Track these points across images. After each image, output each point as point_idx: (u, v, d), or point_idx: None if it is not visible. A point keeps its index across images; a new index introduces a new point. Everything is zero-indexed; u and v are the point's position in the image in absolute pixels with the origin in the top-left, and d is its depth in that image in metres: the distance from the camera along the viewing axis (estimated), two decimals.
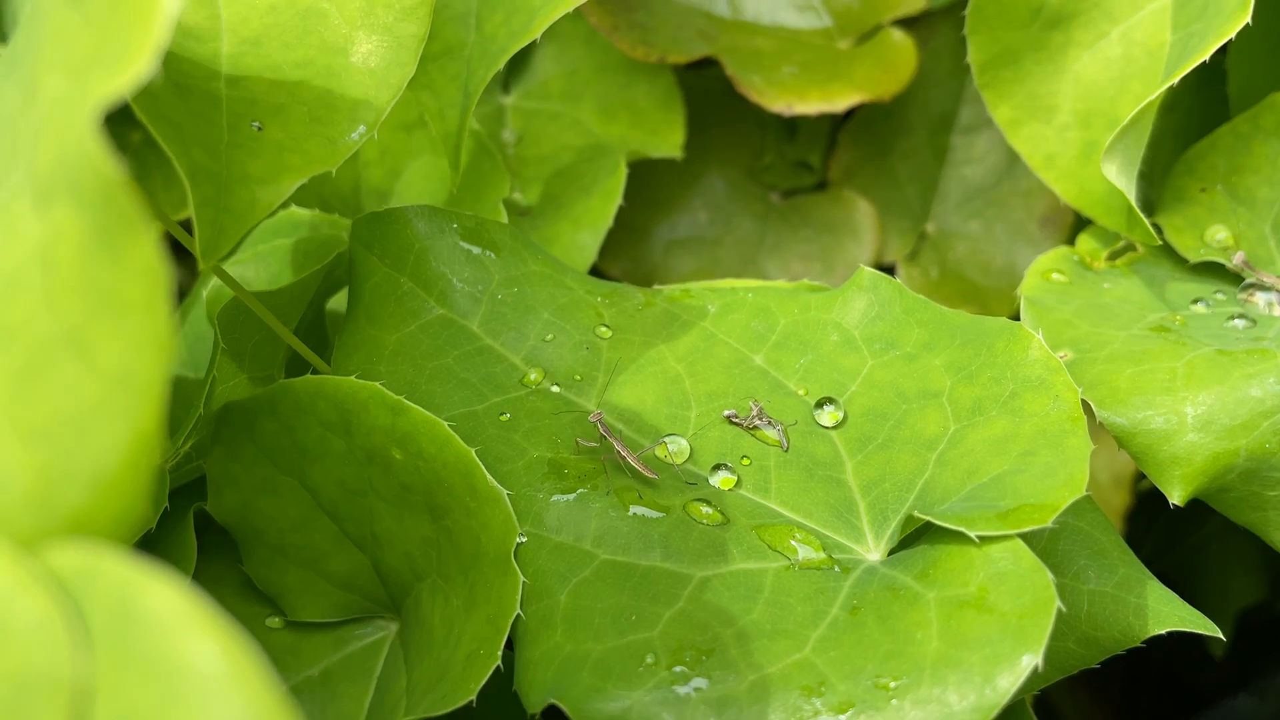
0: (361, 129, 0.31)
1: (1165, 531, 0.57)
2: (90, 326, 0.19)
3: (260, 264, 0.43)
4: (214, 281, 0.42)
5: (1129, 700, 0.57)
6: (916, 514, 0.30)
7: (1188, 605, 0.33)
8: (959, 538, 0.29)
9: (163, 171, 0.47)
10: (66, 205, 0.19)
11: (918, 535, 0.32)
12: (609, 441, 0.34)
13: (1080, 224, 0.56)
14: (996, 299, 0.56)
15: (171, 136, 0.28)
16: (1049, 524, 0.29)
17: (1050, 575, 0.28)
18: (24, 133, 0.21)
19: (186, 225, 0.36)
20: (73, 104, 0.19)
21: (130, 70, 0.19)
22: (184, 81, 0.30)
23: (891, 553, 0.32)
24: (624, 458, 0.34)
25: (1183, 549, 0.57)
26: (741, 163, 0.58)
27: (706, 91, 0.57)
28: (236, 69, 0.31)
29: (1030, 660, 0.27)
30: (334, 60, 0.31)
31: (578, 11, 0.53)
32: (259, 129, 0.30)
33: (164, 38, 0.19)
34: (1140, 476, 0.53)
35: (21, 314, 0.20)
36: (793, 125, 0.58)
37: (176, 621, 0.18)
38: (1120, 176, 0.40)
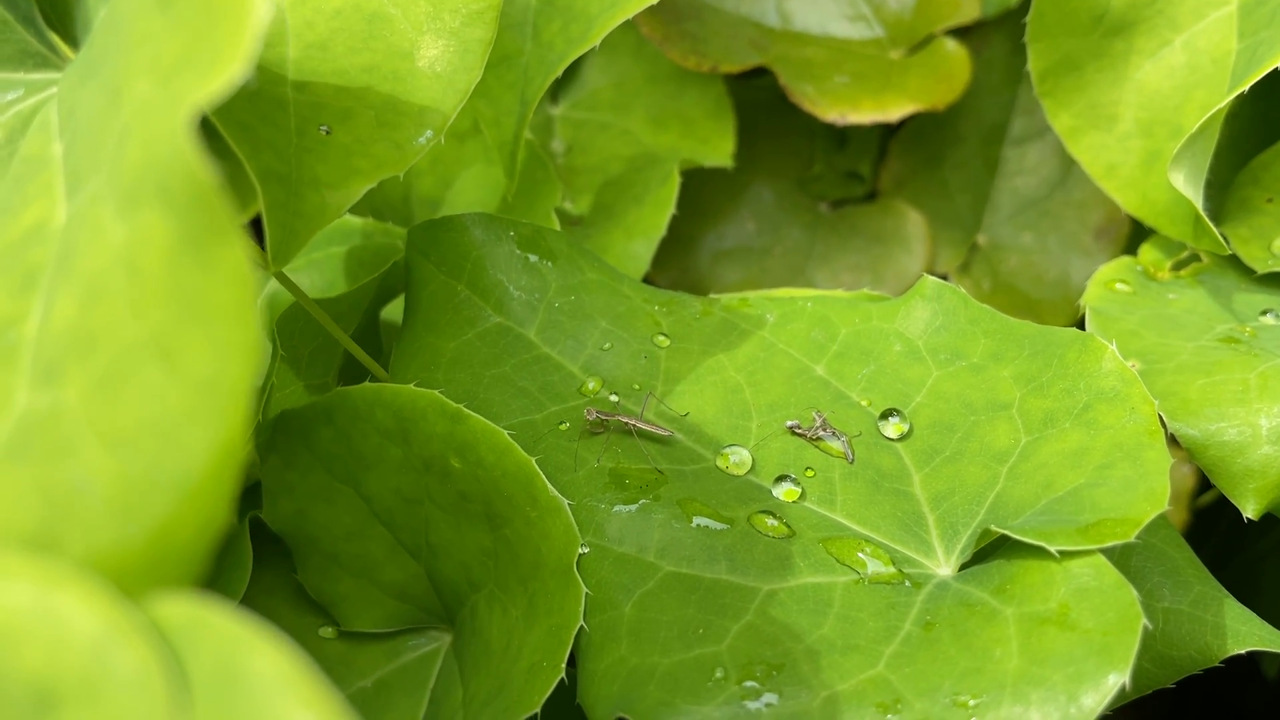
0: (428, 134, 0.31)
1: (1220, 544, 0.56)
2: (176, 332, 0.19)
3: (314, 271, 0.43)
4: (268, 288, 0.42)
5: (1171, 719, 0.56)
6: (993, 528, 0.30)
7: (1267, 625, 0.32)
8: (1037, 553, 0.29)
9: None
10: (154, 209, 0.19)
11: (991, 550, 0.31)
12: (615, 419, 0.34)
13: (1136, 235, 0.55)
14: (1050, 311, 0.55)
15: (242, 139, 0.28)
16: (1131, 538, 0.28)
17: (1135, 592, 0.27)
18: (107, 137, 0.20)
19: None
20: (162, 108, 0.19)
21: (223, 75, 0.18)
22: (252, 85, 0.29)
23: (963, 567, 0.31)
24: (633, 425, 0.33)
25: (1239, 562, 0.56)
26: (790, 173, 0.58)
27: (754, 101, 0.57)
28: (303, 73, 0.31)
29: (1116, 679, 0.26)
30: (400, 65, 0.31)
31: (628, 21, 0.53)
32: (327, 133, 0.30)
33: (256, 42, 0.19)
34: (1198, 493, 0.52)
35: (105, 319, 0.19)
36: (842, 135, 0.58)
37: (280, 686, 0.18)
38: (1188, 185, 0.39)
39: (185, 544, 0.19)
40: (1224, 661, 0.32)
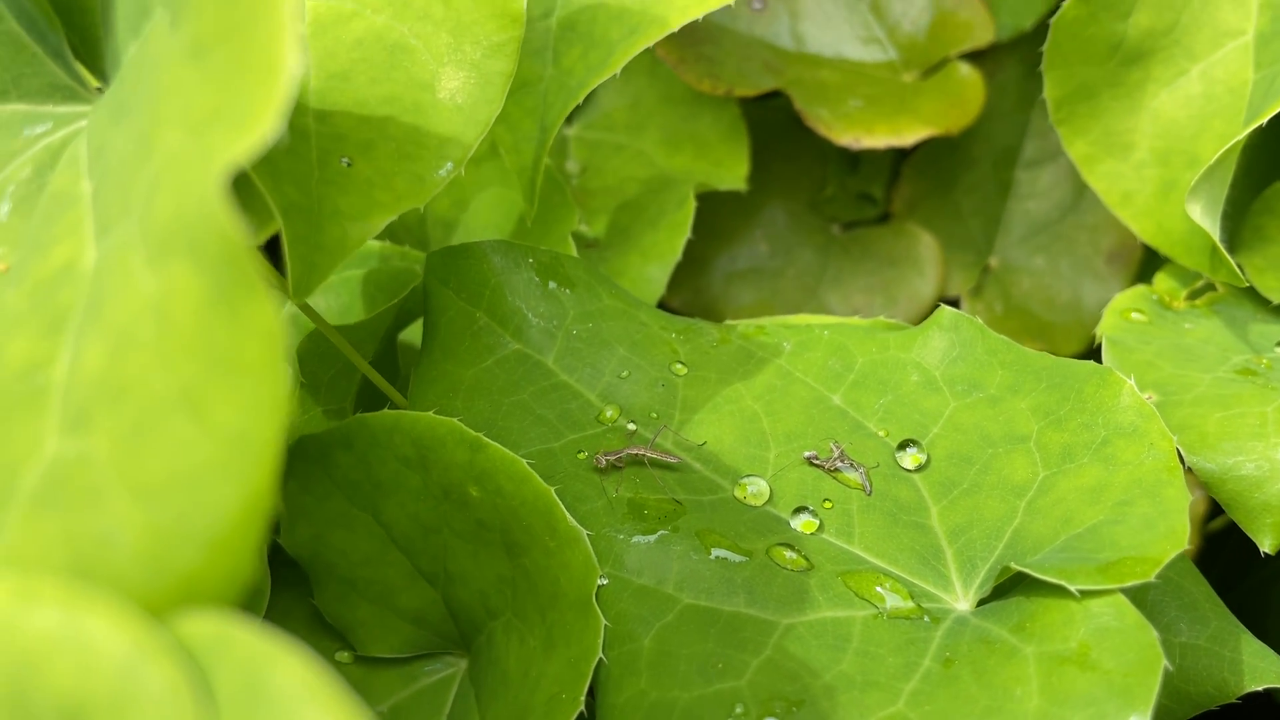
0: (449, 165, 0.31)
1: (1225, 569, 0.56)
2: (206, 386, 0.19)
3: (331, 295, 0.43)
4: (286, 311, 0.42)
5: None
6: (1012, 565, 0.30)
7: None
8: (1056, 590, 0.29)
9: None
10: (184, 263, 0.19)
11: (1009, 585, 0.31)
12: (626, 454, 0.34)
13: (1148, 260, 0.55)
14: (1063, 335, 0.55)
15: (264, 171, 0.28)
16: (1151, 578, 0.28)
17: (1155, 633, 0.27)
18: (137, 183, 0.20)
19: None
20: (193, 161, 0.19)
21: (256, 130, 0.19)
22: (284, 143, 0.29)
23: (981, 602, 0.31)
24: (642, 455, 0.34)
25: (1244, 588, 0.56)
26: (803, 195, 0.58)
27: (767, 123, 0.57)
28: (324, 104, 0.31)
29: None
30: (421, 96, 0.31)
31: None
32: (348, 165, 0.30)
33: (288, 98, 0.19)
34: (1207, 519, 0.52)
35: (135, 369, 0.19)
36: (855, 158, 0.58)
37: (307, 701, 0.18)
38: (1205, 217, 0.39)
39: (212, 596, 0.19)
40: (1240, 698, 0.32)
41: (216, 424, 0.19)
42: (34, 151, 0.26)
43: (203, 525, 0.19)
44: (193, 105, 0.20)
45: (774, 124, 0.57)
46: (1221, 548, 0.55)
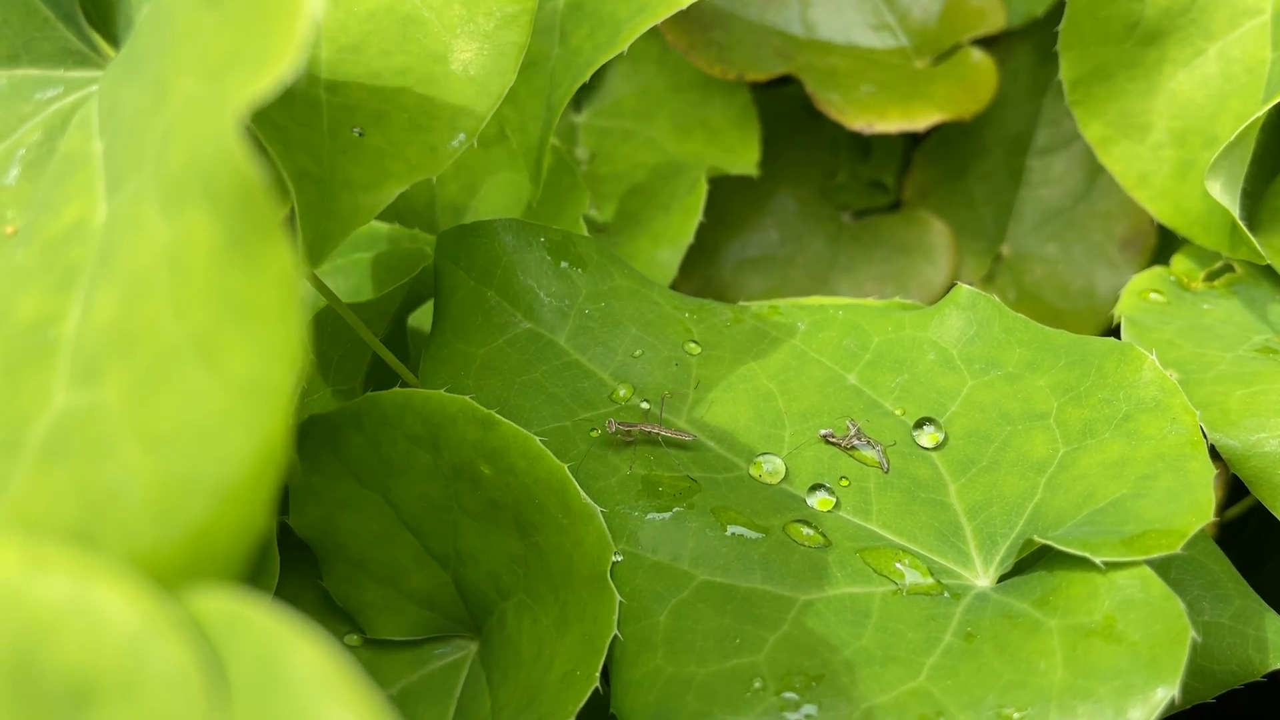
0: (461, 136, 0.30)
1: (1244, 556, 0.56)
2: (219, 333, 0.18)
3: (341, 277, 0.43)
4: (299, 261, 0.42)
5: None
6: (1035, 538, 0.29)
7: None
8: (1080, 564, 0.28)
9: None
10: (199, 208, 0.18)
11: (1030, 561, 0.30)
12: (637, 430, 0.34)
13: (1162, 247, 0.55)
14: (1075, 322, 0.55)
15: (276, 140, 0.28)
16: (1177, 550, 0.28)
17: (1182, 604, 0.26)
18: (150, 135, 0.20)
19: None
20: (210, 106, 0.19)
21: (273, 71, 0.18)
22: (300, 84, 0.29)
23: (1002, 579, 0.31)
24: (655, 432, 0.33)
25: (1263, 575, 0.55)
26: (814, 182, 0.58)
27: (778, 110, 0.57)
28: (336, 75, 0.30)
29: (1165, 693, 0.25)
30: (434, 67, 0.31)
31: (652, 30, 0.53)
32: (360, 135, 0.29)
33: (307, 38, 0.18)
34: (1226, 505, 0.51)
35: (146, 318, 0.19)
36: (866, 145, 0.58)
37: (321, 686, 0.17)
38: (1225, 194, 0.39)
39: (224, 547, 0.19)
40: (1265, 678, 0.32)
41: (229, 372, 0.18)
42: (45, 115, 0.26)
43: (214, 475, 0.18)
44: (209, 51, 0.19)
45: (785, 112, 0.57)
46: (1237, 537, 0.54)
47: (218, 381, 0.19)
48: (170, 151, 0.20)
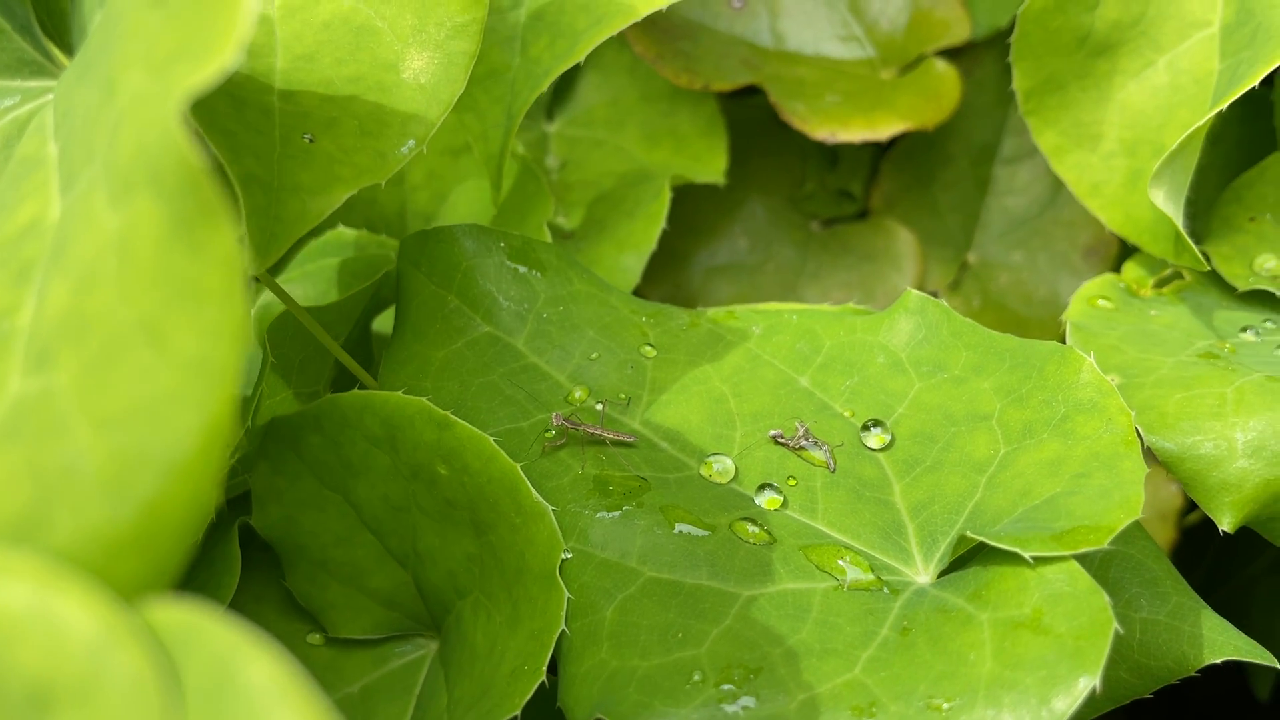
0: (411, 143, 0.31)
1: (1211, 568, 0.56)
2: (166, 315, 0.19)
3: (308, 283, 0.43)
4: (260, 299, 0.43)
5: None
6: (969, 534, 0.30)
7: (1243, 635, 0.32)
8: (1012, 559, 0.29)
9: None
10: (146, 196, 0.19)
11: (968, 557, 0.31)
12: (581, 430, 0.34)
13: (1124, 255, 0.55)
14: (1039, 329, 0.56)
15: (224, 144, 0.28)
16: (1105, 545, 0.28)
17: (1107, 597, 0.27)
18: (100, 130, 0.21)
19: None
20: (155, 98, 0.20)
21: (215, 62, 0.19)
22: (238, 94, 0.30)
23: (941, 575, 0.31)
24: (598, 434, 0.34)
25: (1229, 587, 0.56)
26: (782, 191, 0.58)
27: (748, 120, 0.58)
28: (290, 83, 0.31)
29: (1087, 682, 0.26)
30: (385, 76, 0.32)
31: (621, 41, 0.54)
32: (311, 141, 0.30)
33: (247, 31, 0.19)
34: (1185, 511, 0.52)
35: (97, 304, 0.20)
36: (834, 154, 0.58)
37: (274, 695, 0.18)
38: (1168, 202, 0.40)
39: (174, 523, 0.19)
40: (1216, 681, 0.32)
41: (176, 351, 0.19)
42: (1, 125, 0.27)
43: (164, 452, 0.19)
44: (155, 46, 0.20)
45: (754, 122, 0.58)
46: (1204, 549, 0.55)
47: (165, 361, 0.19)
48: (119, 144, 0.20)
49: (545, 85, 0.39)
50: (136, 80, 0.20)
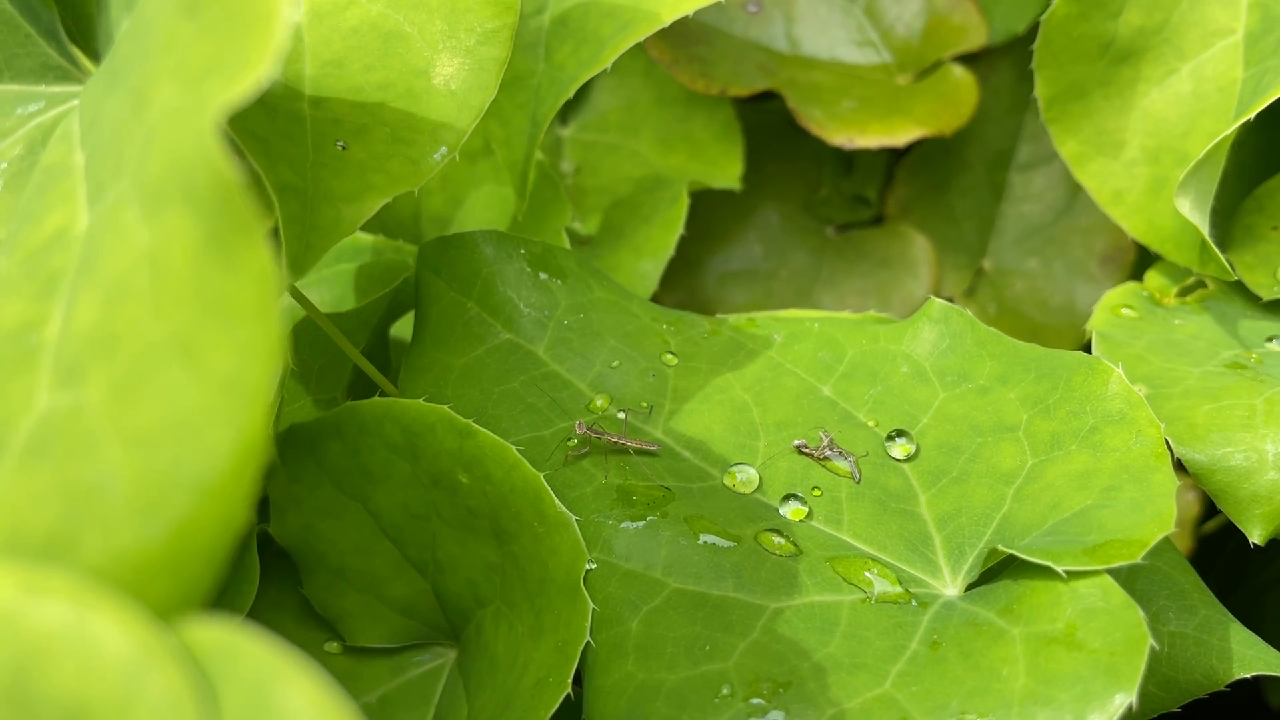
0: (443, 150, 0.31)
1: (1224, 576, 0.56)
2: (199, 332, 0.19)
3: (324, 288, 0.43)
4: (278, 264, 0.42)
5: None
6: (1000, 547, 0.30)
7: (1273, 649, 0.32)
8: (1044, 573, 0.29)
9: None
10: (178, 211, 0.19)
11: (997, 570, 0.31)
12: (604, 439, 0.34)
13: (1141, 262, 0.55)
14: (1055, 337, 0.55)
15: (259, 152, 0.28)
16: (1138, 559, 0.28)
17: (1142, 613, 0.27)
18: (131, 143, 0.21)
19: None
20: (188, 111, 0.19)
21: (250, 76, 0.19)
22: (269, 101, 0.30)
23: (969, 588, 0.31)
24: (622, 442, 0.34)
25: (1243, 593, 0.55)
26: (797, 196, 0.58)
27: (762, 125, 0.57)
28: (319, 90, 0.31)
29: (1124, 699, 0.26)
30: (415, 82, 0.31)
31: (638, 45, 0.54)
32: (343, 148, 0.30)
33: (283, 44, 0.19)
34: (1202, 520, 0.52)
35: (128, 320, 0.19)
36: (849, 160, 0.58)
37: (312, 717, 0.18)
38: (1194, 211, 0.40)
39: (205, 544, 0.19)
40: (1228, 687, 0.32)
41: (209, 369, 0.19)
42: (26, 130, 0.27)
43: (195, 472, 0.19)
44: (188, 59, 0.20)
45: (769, 127, 0.58)
46: (1219, 553, 0.55)
47: (198, 379, 0.19)
48: (150, 157, 0.20)
49: (571, 92, 0.39)
50: (169, 93, 0.20)
